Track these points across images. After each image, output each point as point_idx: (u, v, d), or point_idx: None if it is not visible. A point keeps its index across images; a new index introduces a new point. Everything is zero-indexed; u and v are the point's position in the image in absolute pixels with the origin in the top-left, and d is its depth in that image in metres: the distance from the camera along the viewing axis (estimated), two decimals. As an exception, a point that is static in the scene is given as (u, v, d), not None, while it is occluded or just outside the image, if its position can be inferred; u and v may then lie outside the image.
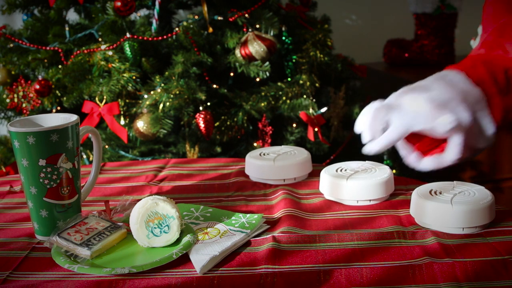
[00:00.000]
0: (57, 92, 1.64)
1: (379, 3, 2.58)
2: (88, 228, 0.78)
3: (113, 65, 1.56)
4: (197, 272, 0.70)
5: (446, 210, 0.77)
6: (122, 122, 1.61)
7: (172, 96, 1.51)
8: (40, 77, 1.62)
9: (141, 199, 0.78)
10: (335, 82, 1.85)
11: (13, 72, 1.75)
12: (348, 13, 2.59)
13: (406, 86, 0.93)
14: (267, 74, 1.61)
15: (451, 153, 0.90)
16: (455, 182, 0.85)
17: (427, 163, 0.94)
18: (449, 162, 0.91)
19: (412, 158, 0.96)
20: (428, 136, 0.92)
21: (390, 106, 0.89)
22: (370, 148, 0.87)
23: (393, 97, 0.92)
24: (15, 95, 1.71)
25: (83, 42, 1.69)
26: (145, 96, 1.57)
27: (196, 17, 1.74)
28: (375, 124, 0.87)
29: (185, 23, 1.61)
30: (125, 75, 1.54)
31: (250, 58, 1.60)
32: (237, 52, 1.61)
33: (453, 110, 0.89)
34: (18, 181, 1.05)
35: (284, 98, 1.64)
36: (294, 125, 1.70)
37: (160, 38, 1.62)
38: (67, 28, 1.72)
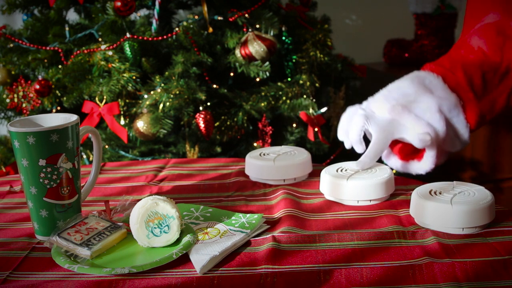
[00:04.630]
0: (57, 92, 1.64)
1: (379, 3, 2.57)
2: (88, 228, 0.78)
3: (113, 65, 1.55)
4: (197, 272, 0.70)
5: (446, 210, 0.77)
6: (122, 122, 1.61)
7: (172, 96, 1.51)
8: (40, 77, 1.62)
9: (141, 199, 0.78)
10: (335, 82, 1.85)
11: (13, 72, 1.75)
12: (348, 13, 2.59)
13: (383, 91, 0.97)
14: (267, 74, 1.61)
15: (426, 164, 0.95)
16: (455, 182, 0.85)
17: (403, 168, 0.98)
18: (425, 171, 0.96)
19: (391, 161, 1.01)
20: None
21: (369, 115, 0.92)
22: (362, 165, 0.92)
23: (371, 104, 0.96)
24: (15, 95, 1.71)
25: (83, 42, 1.69)
26: (145, 96, 1.57)
27: (196, 17, 1.73)
28: (356, 133, 0.92)
29: (185, 23, 1.61)
30: (125, 75, 1.54)
31: (250, 58, 1.60)
32: (237, 52, 1.61)
33: (429, 120, 0.92)
34: (18, 181, 1.05)
35: (284, 98, 1.64)
36: (294, 125, 1.70)
37: (160, 38, 1.62)
38: (67, 28, 1.72)
